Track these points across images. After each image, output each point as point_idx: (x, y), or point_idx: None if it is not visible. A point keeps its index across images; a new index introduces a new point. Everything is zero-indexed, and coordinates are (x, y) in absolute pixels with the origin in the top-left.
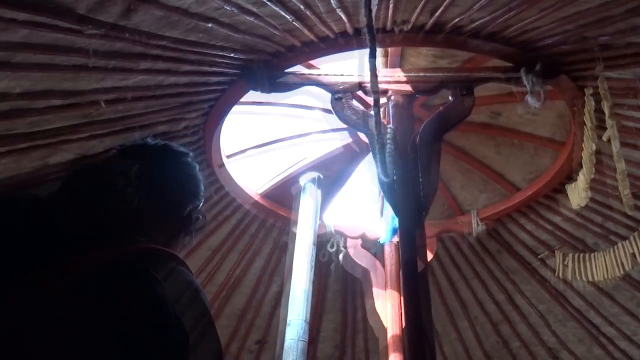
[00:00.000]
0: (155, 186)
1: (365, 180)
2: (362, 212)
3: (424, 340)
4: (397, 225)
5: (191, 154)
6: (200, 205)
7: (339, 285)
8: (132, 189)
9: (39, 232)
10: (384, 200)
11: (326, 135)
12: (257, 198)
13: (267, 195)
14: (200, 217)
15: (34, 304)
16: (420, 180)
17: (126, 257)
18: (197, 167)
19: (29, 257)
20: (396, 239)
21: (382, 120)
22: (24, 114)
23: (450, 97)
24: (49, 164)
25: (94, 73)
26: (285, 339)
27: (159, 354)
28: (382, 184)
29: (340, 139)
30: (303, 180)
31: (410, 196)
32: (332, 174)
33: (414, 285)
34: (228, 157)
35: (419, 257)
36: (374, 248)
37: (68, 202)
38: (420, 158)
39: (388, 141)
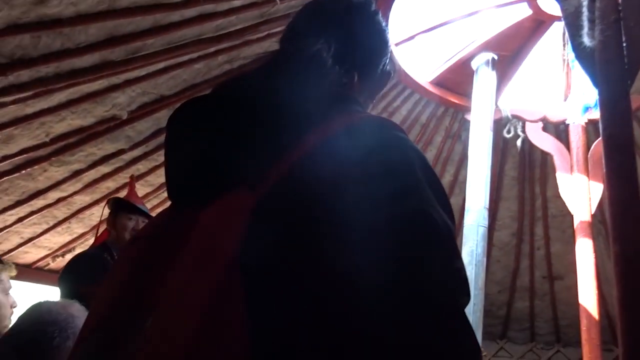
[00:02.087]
0: (355, 52)
1: (546, 58)
2: (542, 93)
3: (632, 223)
4: (589, 103)
5: (372, 2)
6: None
7: (516, 172)
8: (340, 67)
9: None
10: (571, 76)
11: (500, 11)
12: (428, 86)
13: (438, 82)
14: (392, 72)
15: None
16: (625, 45)
17: (364, 121)
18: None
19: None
20: (585, 118)
21: None
22: (211, 18)
23: None
24: (234, 67)
25: None
26: (464, 224)
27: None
28: (578, 52)
29: (517, 14)
30: (476, 63)
31: (614, 63)
32: (508, 53)
33: (619, 163)
34: (397, 44)
35: (625, 131)
36: (557, 131)
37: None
38: (624, 19)
39: (586, 2)
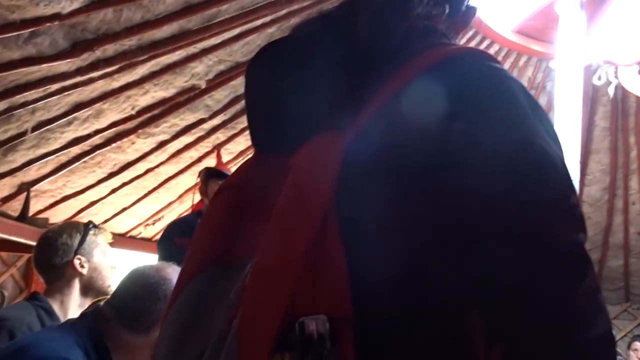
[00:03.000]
0: None
1: None
2: (637, 34)
3: None
4: None
5: None
6: None
7: (607, 122)
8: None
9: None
10: None
11: None
12: (508, 34)
13: (519, 30)
14: (476, 8)
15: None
16: None
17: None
18: None
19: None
20: None
21: None
22: None
23: None
24: None
25: None
26: None
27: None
28: None
29: None
30: (562, 5)
31: None
32: None
33: None
34: None
35: None
36: None
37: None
38: None
39: None
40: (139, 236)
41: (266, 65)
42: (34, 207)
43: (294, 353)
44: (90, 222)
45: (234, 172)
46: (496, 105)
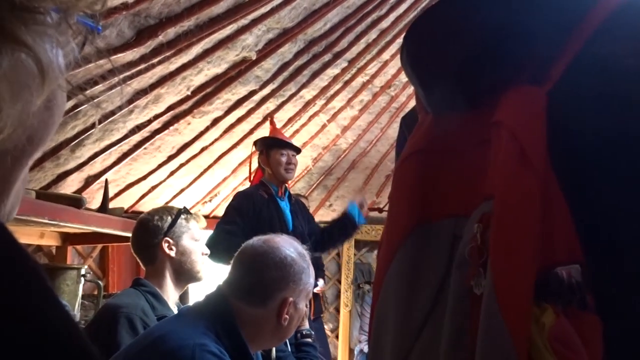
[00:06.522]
0: None
1: None
2: None
3: None
4: None
5: None
6: None
7: None
8: None
9: None
10: None
11: None
12: None
13: None
14: None
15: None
16: None
17: None
18: None
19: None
20: None
21: None
22: None
23: None
24: None
25: None
26: None
27: None
28: None
29: None
30: None
31: None
32: None
33: None
34: None
35: None
36: None
37: None
38: None
39: None
40: (198, 213)
41: (444, 21)
42: (99, 196)
43: (557, 303)
44: (184, 207)
45: (418, 137)
46: None
